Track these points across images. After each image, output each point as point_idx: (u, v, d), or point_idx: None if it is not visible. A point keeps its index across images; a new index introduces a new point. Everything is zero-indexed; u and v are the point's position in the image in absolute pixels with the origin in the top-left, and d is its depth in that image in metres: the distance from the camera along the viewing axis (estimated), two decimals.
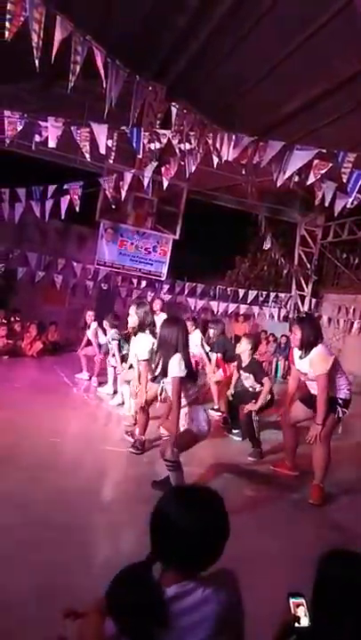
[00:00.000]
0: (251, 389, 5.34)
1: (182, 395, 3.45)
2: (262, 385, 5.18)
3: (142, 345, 4.61)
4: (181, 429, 3.44)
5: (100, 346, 7.48)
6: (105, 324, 7.01)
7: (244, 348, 5.38)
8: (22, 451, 4.17)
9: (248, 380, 5.35)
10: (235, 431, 5.60)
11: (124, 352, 6.41)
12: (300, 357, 4.18)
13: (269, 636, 1.39)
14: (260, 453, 4.95)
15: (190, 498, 1.37)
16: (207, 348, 6.81)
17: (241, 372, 5.44)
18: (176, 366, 3.41)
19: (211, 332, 6.78)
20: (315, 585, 1.31)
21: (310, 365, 4.04)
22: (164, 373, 3.52)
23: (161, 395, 4.36)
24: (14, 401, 5.83)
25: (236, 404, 5.59)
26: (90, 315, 7.78)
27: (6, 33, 3.97)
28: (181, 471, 3.44)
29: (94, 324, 7.52)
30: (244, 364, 5.39)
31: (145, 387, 4.53)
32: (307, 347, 4.07)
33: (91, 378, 7.59)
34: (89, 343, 7.71)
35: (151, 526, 1.32)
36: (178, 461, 3.40)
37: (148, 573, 1.26)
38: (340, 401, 4.05)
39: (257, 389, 5.24)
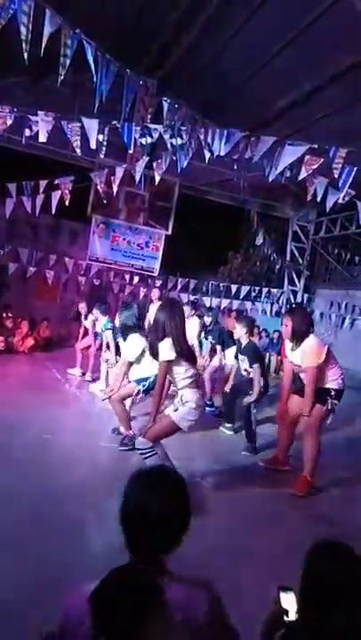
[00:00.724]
0: (245, 373, 5.33)
1: (178, 377, 3.40)
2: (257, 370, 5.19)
3: (129, 346, 4.64)
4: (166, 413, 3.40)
5: (96, 335, 7.47)
6: (95, 312, 6.96)
7: (239, 332, 5.36)
8: (15, 447, 4.16)
9: (244, 363, 5.31)
10: (227, 425, 5.62)
11: (118, 339, 6.44)
12: (292, 349, 4.19)
13: (258, 630, 1.40)
14: (254, 449, 4.97)
15: (156, 482, 1.38)
16: (203, 339, 6.83)
17: (239, 355, 5.42)
18: (165, 350, 3.34)
19: (206, 320, 6.77)
20: (302, 579, 1.32)
21: (301, 357, 4.06)
22: (154, 356, 3.48)
23: (138, 395, 4.48)
24: (6, 397, 5.81)
25: (232, 397, 5.58)
26: (82, 306, 7.78)
27: None
28: (157, 455, 3.38)
29: (91, 315, 7.47)
30: (242, 347, 5.37)
31: (120, 382, 4.60)
32: (298, 338, 4.09)
33: (84, 374, 7.56)
34: (85, 335, 7.69)
35: (129, 522, 1.31)
36: (151, 447, 3.33)
37: (145, 574, 1.25)
38: (333, 392, 4.08)
39: (250, 374, 5.22)
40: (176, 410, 3.38)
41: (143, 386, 4.52)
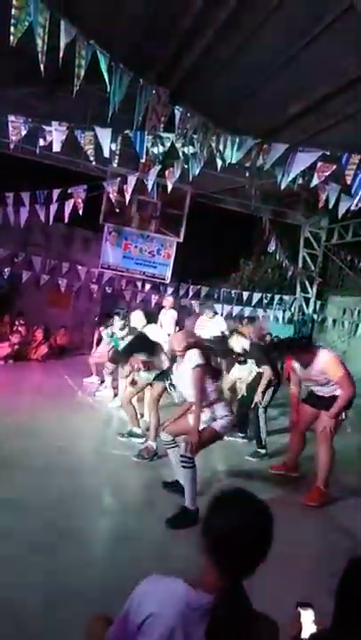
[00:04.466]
0: (254, 373, 5.34)
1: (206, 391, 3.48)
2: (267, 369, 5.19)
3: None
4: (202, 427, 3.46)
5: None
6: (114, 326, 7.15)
7: (235, 343, 5.52)
8: (28, 454, 4.17)
9: (253, 366, 5.39)
10: (240, 434, 5.57)
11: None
12: (304, 367, 4.18)
13: None
14: (261, 455, 4.93)
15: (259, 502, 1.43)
16: None
17: (249, 360, 5.48)
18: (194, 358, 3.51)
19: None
20: (339, 591, 1.27)
21: (325, 373, 4.03)
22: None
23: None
24: (21, 405, 5.85)
25: (246, 403, 5.48)
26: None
27: (12, 38, 3.98)
28: (195, 468, 3.42)
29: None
30: (247, 352, 5.45)
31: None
32: (308, 363, 4.10)
33: (102, 382, 7.57)
34: (98, 343, 7.75)
35: (231, 546, 1.33)
36: (193, 459, 3.40)
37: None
38: None
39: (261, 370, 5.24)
40: (215, 420, 3.48)
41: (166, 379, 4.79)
